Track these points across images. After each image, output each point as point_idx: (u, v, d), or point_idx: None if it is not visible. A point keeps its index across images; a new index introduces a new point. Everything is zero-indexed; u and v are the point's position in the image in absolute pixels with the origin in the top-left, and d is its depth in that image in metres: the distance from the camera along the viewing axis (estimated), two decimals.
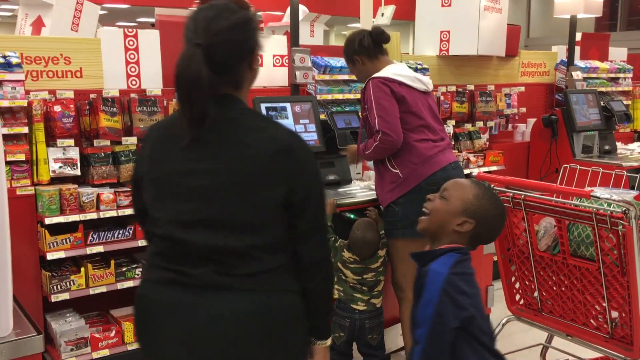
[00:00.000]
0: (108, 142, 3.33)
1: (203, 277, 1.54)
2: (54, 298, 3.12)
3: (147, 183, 1.64)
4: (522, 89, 5.34)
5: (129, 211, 3.30)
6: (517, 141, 5.42)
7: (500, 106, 5.05)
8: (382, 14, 7.20)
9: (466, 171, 4.52)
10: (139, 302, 1.67)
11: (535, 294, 2.83)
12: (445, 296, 1.74)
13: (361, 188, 3.53)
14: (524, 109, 5.36)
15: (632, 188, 2.93)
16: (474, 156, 4.71)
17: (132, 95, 3.44)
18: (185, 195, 1.56)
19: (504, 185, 2.86)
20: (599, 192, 2.30)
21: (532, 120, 5.39)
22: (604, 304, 2.49)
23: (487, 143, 4.95)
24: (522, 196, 2.68)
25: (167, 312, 1.58)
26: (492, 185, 2.83)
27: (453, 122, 4.77)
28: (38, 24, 4.60)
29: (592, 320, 2.60)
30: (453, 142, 4.75)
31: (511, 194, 2.74)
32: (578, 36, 6.07)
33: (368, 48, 3.06)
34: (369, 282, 3.05)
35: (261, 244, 1.56)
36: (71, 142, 3.22)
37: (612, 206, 2.36)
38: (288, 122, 3.53)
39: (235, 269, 1.55)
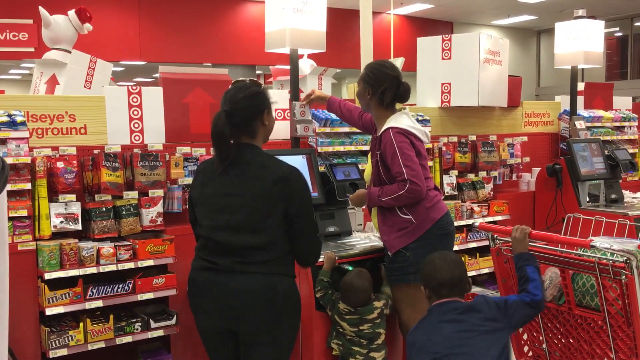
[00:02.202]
0: (109, 197, 3.36)
1: (227, 265, 2.35)
2: (52, 354, 3.08)
3: (197, 200, 2.49)
4: (525, 138, 5.36)
5: (129, 265, 3.30)
6: (523, 190, 5.40)
7: (503, 156, 5.05)
8: None
9: (470, 221, 4.50)
10: (189, 283, 2.48)
11: (544, 345, 2.75)
12: None
13: (361, 239, 3.50)
14: (527, 159, 5.36)
15: None
16: (478, 206, 4.68)
17: (135, 150, 3.49)
18: (219, 209, 2.39)
19: (507, 236, 2.84)
20: (599, 241, 2.27)
21: (536, 170, 5.37)
22: (612, 355, 2.42)
23: (492, 193, 4.93)
24: None
25: (205, 288, 2.40)
26: (495, 236, 2.81)
27: (456, 172, 4.77)
28: (52, 82, 4.72)
29: None
30: (456, 192, 4.75)
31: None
32: (581, 86, 6.12)
33: (384, 101, 3.05)
34: (366, 335, 2.98)
35: (267, 241, 2.35)
36: (73, 197, 3.25)
37: (614, 256, 2.32)
38: None
39: (249, 259, 2.34)
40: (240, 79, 2.65)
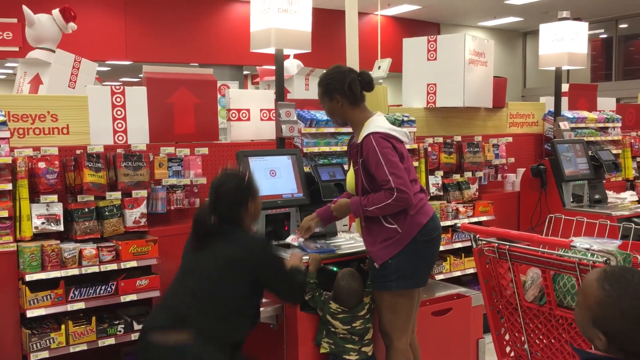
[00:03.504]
0: (92, 198, 3.33)
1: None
2: (33, 357, 3.06)
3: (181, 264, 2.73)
4: (510, 139, 5.39)
5: (112, 266, 3.28)
6: (507, 191, 5.42)
7: (488, 156, 5.07)
8: (379, 67, 7.35)
9: (454, 221, 4.51)
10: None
11: (525, 345, 2.77)
12: None
13: (346, 240, 3.50)
14: (512, 159, 5.39)
15: (625, 237, 2.90)
16: (464, 206, 4.70)
17: (118, 150, 3.46)
18: (190, 271, 2.62)
19: (489, 236, 2.85)
20: (579, 242, 2.29)
21: (521, 170, 5.41)
22: None
23: (477, 193, 4.95)
24: (507, 247, 2.66)
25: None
26: (477, 237, 2.82)
27: (441, 172, 4.79)
28: (36, 82, 4.68)
29: None
30: (442, 193, 4.76)
31: (496, 245, 2.72)
32: (566, 87, 6.17)
33: (355, 94, 2.99)
34: (358, 331, 3.00)
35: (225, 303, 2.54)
36: (55, 198, 3.22)
37: (594, 256, 2.34)
38: (270, 175, 3.54)
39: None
40: (228, 168, 2.75)
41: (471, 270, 4.74)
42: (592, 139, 5.90)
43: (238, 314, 2.56)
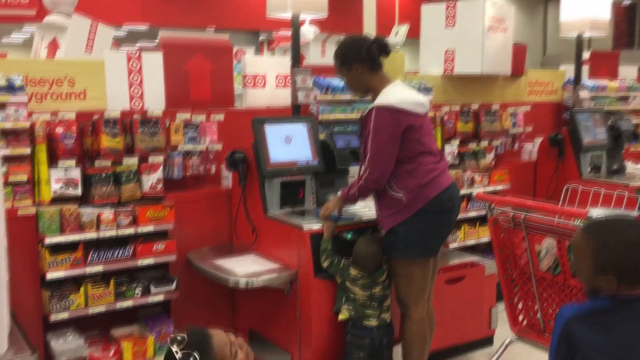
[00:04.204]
0: (109, 163, 3.36)
1: None
2: (53, 317, 3.13)
3: None
4: (528, 108, 5.31)
5: (129, 231, 3.32)
6: (524, 160, 5.37)
7: (506, 125, 5.01)
8: (396, 33, 7.24)
9: (470, 190, 4.48)
10: None
11: (538, 314, 2.78)
12: (561, 341, 1.70)
13: (360, 207, 3.51)
14: (530, 128, 5.32)
15: None
16: (479, 175, 4.67)
17: (135, 116, 3.47)
18: None
19: (504, 206, 2.84)
20: (596, 213, 2.27)
21: (539, 139, 5.34)
22: None
23: (493, 162, 4.91)
24: (523, 216, 2.65)
25: None
26: (492, 206, 2.81)
27: (457, 141, 4.75)
28: (53, 46, 4.69)
29: None
30: (457, 162, 4.72)
31: (511, 214, 2.72)
32: (587, 55, 6.04)
33: (373, 59, 2.96)
34: (377, 297, 3.04)
35: None
36: (72, 162, 3.25)
37: None
38: (285, 142, 3.54)
39: None
40: (172, 346, 1.72)
41: (485, 240, 4.74)
42: (612, 108, 5.80)
43: None
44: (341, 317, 3.09)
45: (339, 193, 3.14)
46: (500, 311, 3.97)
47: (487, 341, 3.96)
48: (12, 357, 2.52)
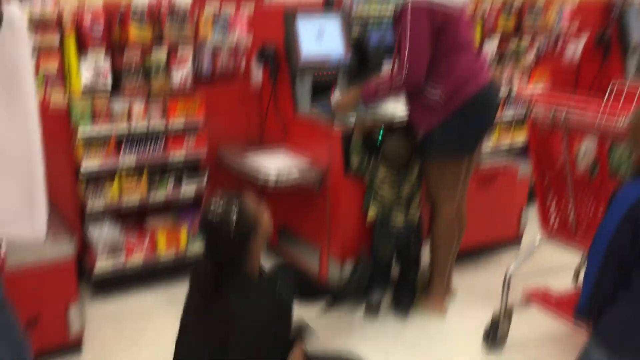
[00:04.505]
0: (138, 54, 3.30)
1: None
2: (89, 207, 3.21)
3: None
4: (576, 3, 4.99)
5: (160, 124, 3.32)
6: (567, 60, 5.13)
7: (550, 22, 4.74)
8: None
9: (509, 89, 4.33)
10: None
11: (571, 216, 2.74)
12: (625, 224, 1.67)
13: (393, 105, 3.42)
14: (576, 26, 5.03)
15: None
16: (519, 75, 4.49)
17: (163, 6, 3.36)
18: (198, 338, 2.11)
19: (545, 103, 2.73)
20: None
21: (583, 39, 5.06)
22: None
23: (534, 62, 4.70)
24: (564, 115, 2.55)
25: None
26: (532, 102, 2.70)
27: (497, 38, 4.53)
28: None
29: None
30: (497, 60, 4.53)
31: (552, 113, 2.61)
32: None
33: None
34: (405, 197, 3.03)
35: None
36: (102, 54, 3.20)
37: None
38: (318, 37, 3.41)
39: None
40: (214, 200, 2.10)
41: (520, 143, 4.64)
42: None
43: None
44: (369, 216, 3.10)
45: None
46: (530, 214, 3.96)
47: (515, 242, 3.97)
48: (52, 243, 2.62)
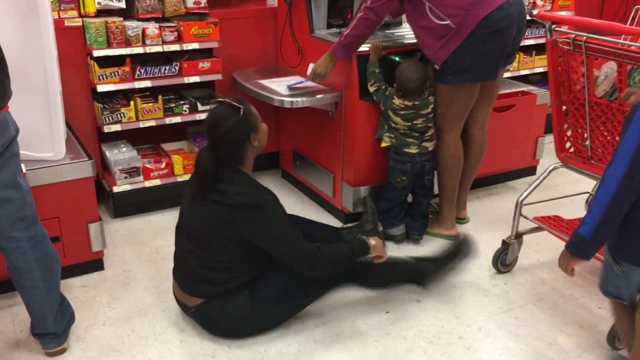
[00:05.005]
0: None
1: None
2: (106, 129, 3.25)
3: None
4: None
5: (175, 47, 3.30)
6: None
7: None
8: None
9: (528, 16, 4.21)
10: None
11: (587, 141, 2.72)
12: None
13: (410, 30, 3.35)
14: None
15: None
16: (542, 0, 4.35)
17: None
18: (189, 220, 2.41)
19: (566, 26, 2.66)
20: None
21: None
22: None
23: None
24: (584, 38, 2.48)
25: None
26: (553, 27, 2.63)
27: None
28: None
29: None
30: None
31: (572, 36, 2.54)
32: None
33: None
34: (418, 128, 3.01)
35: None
36: None
37: None
38: None
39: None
40: (219, 99, 2.33)
41: (540, 69, 4.55)
42: None
43: (246, 262, 2.38)
44: (383, 144, 3.10)
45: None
46: (547, 142, 3.93)
47: (531, 171, 3.97)
48: (70, 163, 2.67)
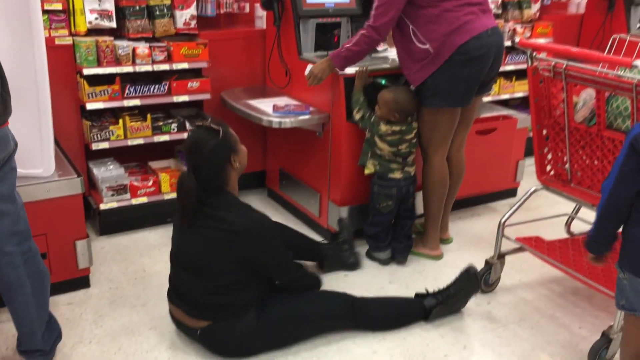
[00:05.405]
0: None
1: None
2: (94, 146, 3.26)
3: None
4: None
5: (164, 66, 3.34)
6: (571, 13, 5.11)
7: None
8: None
9: (509, 43, 4.34)
10: None
11: (567, 165, 2.81)
12: (630, 150, 1.85)
13: (395, 52, 3.43)
14: None
15: None
16: (522, 27, 4.49)
17: None
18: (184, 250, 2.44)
19: (546, 53, 2.76)
20: None
21: None
22: None
23: (538, 13, 4.68)
24: (564, 65, 2.58)
25: None
26: (534, 54, 2.73)
27: None
28: None
29: None
30: (500, 11, 4.51)
31: (553, 63, 2.64)
32: None
33: None
34: (403, 153, 3.07)
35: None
36: None
37: None
38: None
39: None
40: (199, 123, 2.37)
41: (520, 94, 4.67)
42: None
43: (250, 283, 2.41)
44: (367, 171, 3.15)
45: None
46: (527, 165, 4.03)
47: (511, 193, 4.06)
48: (59, 180, 2.68)
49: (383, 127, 3.03)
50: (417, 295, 2.79)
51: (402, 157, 3.09)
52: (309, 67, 3.13)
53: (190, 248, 2.37)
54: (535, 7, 4.65)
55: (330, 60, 3.02)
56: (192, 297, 2.39)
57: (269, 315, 2.42)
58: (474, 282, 2.79)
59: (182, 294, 2.44)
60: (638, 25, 4.71)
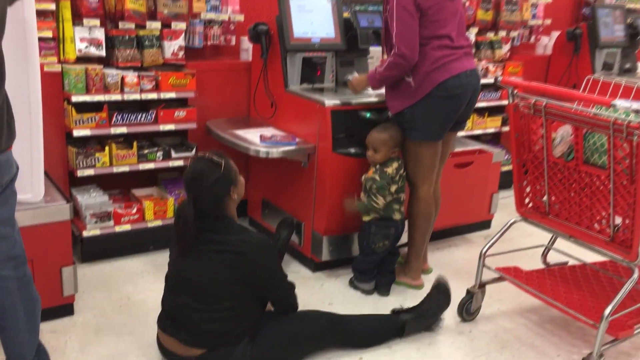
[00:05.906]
0: (133, 25, 3.33)
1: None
2: (79, 173, 3.25)
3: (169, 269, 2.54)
4: (549, 0, 5.22)
5: (152, 96, 3.37)
6: (539, 54, 5.37)
7: (525, 16, 4.95)
8: None
9: (483, 81, 4.52)
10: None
11: (545, 197, 2.93)
12: None
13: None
14: (549, 21, 5.26)
15: None
16: (493, 66, 4.69)
17: None
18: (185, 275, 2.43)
19: (526, 91, 2.90)
20: (619, 102, 2.35)
21: (556, 33, 5.30)
22: (609, 210, 2.60)
23: (508, 54, 4.90)
24: (544, 103, 2.72)
25: None
26: (515, 92, 2.87)
27: (476, 29, 4.71)
28: None
29: (595, 224, 2.72)
30: (474, 51, 4.71)
31: (533, 101, 2.78)
32: None
33: None
34: (396, 199, 3.16)
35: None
36: (97, 22, 3.23)
37: (630, 117, 2.42)
38: (308, 18, 3.52)
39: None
40: (200, 154, 2.43)
41: (491, 130, 4.85)
42: (634, 6, 5.70)
43: (247, 310, 2.44)
44: (366, 218, 3.19)
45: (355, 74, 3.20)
46: (501, 198, 4.17)
47: (486, 225, 4.18)
48: (47, 205, 2.66)
49: (389, 170, 3.10)
50: (393, 311, 2.87)
51: (396, 201, 3.15)
52: (351, 76, 3.35)
53: (191, 270, 2.38)
54: (506, 48, 4.87)
55: (367, 80, 3.16)
56: (190, 324, 2.39)
57: (262, 342, 2.43)
58: (445, 295, 2.91)
59: (178, 321, 2.43)
60: (602, 67, 4.97)
